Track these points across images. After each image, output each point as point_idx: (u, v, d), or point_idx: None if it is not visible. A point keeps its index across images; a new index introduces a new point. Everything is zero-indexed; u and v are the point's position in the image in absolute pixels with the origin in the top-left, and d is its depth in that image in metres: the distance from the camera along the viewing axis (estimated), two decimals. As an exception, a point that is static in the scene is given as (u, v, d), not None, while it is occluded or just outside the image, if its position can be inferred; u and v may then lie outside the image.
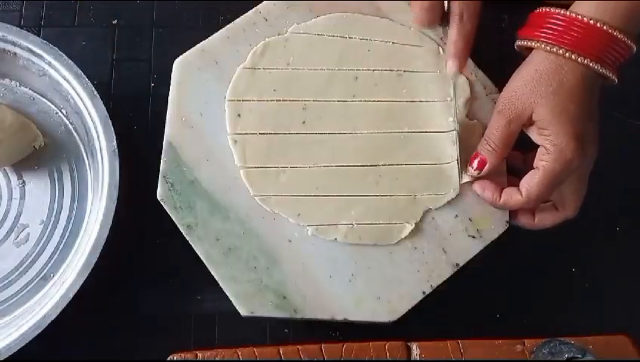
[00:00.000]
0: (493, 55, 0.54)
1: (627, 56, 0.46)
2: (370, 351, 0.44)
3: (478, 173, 0.49)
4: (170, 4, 0.61)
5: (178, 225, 0.48)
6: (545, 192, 0.46)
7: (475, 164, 0.48)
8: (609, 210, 0.56)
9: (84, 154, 0.55)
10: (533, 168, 0.47)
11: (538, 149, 0.47)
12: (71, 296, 0.46)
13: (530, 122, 0.47)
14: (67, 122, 0.56)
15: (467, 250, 0.49)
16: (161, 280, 0.53)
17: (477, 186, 0.49)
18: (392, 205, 0.49)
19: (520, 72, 0.48)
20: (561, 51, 0.45)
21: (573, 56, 0.45)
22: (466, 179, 0.50)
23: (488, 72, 0.53)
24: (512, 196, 0.47)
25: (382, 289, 0.47)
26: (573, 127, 0.45)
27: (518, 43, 0.49)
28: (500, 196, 0.48)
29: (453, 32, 0.50)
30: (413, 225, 0.49)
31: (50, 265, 0.52)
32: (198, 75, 0.52)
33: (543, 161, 0.46)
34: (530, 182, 0.46)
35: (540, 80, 0.46)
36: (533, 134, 0.47)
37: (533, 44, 0.47)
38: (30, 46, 0.53)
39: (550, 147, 0.45)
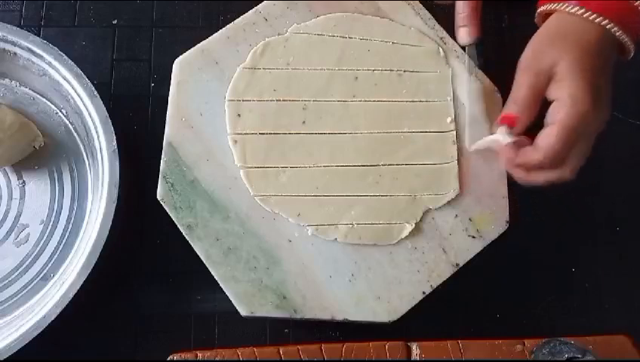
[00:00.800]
0: (493, 55, 0.54)
1: None
2: (370, 351, 0.44)
3: (509, 133, 0.47)
4: (170, 4, 0.61)
5: (178, 225, 0.48)
6: (561, 147, 0.45)
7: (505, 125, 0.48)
8: (609, 210, 0.56)
9: (84, 154, 0.55)
10: (549, 125, 0.46)
11: (551, 106, 0.46)
12: (71, 296, 0.46)
13: (551, 77, 0.46)
14: (67, 122, 0.56)
15: (467, 250, 0.49)
16: (161, 280, 0.53)
17: (502, 152, 0.48)
18: (392, 205, 0.49)
19: (540, 32, 0.48)
20: (585, 13, 0.46)
21: (597, 20, 0.45)
22: (479, 143, 0.50)
23: (488, 72, 0.53)
24: (529, 155, 0.46)
25: (382, 289, 0.47)
26: (590, 79, 0.45)
27: (540, 9, 0.49)
28: (517, 155, 0.47)
29: (462, 4, 0.51)
30: (413, 225, 0.49)
31: (50, 265, 0.52)
32: (198, 75, 0.52)
33: (559, 115, 0.45)
34: (547, 138, 0.45)
35: (564, 36, 0.46)
36: (550, 90, 0.47)
37: (557, 6, 0.47)
38: (30, 46, 0.53)
39: (567, 98, 0.45)
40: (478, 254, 0.49)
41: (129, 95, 0.58)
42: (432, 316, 0.49)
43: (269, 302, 0.47)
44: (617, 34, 0.46)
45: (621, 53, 0.48)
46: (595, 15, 0.45)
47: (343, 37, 0.53)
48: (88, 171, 0.55)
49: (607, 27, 0.45)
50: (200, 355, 0.44)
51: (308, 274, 0.48)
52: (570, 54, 0.45)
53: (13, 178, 0.55)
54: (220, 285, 0.47)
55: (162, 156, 0.50)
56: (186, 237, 0.48)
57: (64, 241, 0.53)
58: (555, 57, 0.46)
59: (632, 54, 0.47)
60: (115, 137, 0.50)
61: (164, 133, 0.50)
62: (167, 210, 0.49)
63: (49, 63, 0.53)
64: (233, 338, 0.51)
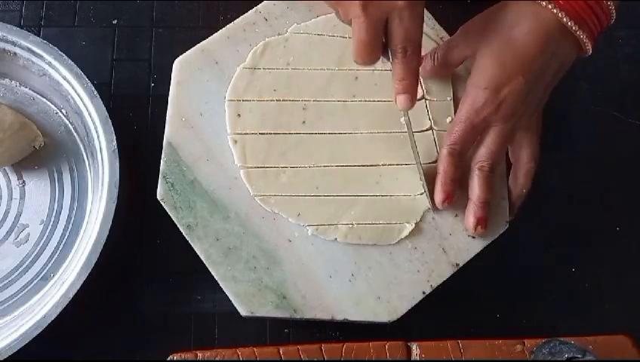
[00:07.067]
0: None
1: (606, 24, 0.46)
2: (370, 351, 0.44)
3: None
4: (170, 4, 0.61)
5: (178, 225, 0.48)
6: (455, 130, 0.47)
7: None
8: (609, 210, 0.56)
9: (84, 154, 0.55)
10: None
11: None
12: (71, 296, 0.46)
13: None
14: (67, 122, 0.56)
15: (467, 250, 0.49)
16: (161, 280, 0.53)
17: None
18: (392, 205, 0.49)
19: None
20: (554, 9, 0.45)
21: (550, 7, 0.45)
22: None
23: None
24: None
25: (382, 289, 0.47)
26: (499, 73, 0.46)
27: None
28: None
29: (400, 69, 0.45)
30: (413, 225, 0.49)
31: (50, 265, 0.52)
32: (198, 75, 0.52)
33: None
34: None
35: (498, 18, 0.47)
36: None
37: None
38: (30, 46, 0.53)
39: (468, 85, 0.47)
40: (478, 254, 0.49)
41: (129, 95, 0.58)
42: (432, 316, 0.49)
43: (269, 302, 0.47)
44: (565, 20, 0.45)
45: (579, 49, 0.47)
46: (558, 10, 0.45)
47: (343, 37, 0.53)
48: (88, 171, 0.55)
49: (557, 13, 0.45)
50: (200, 355, 0.44)
51: (308, 274, 0.48)
52: (494, 39, 0.46)
53: (13, 178, 0.55)
54: (220, 285, 0.47)
55: (162, 156, 0.50)
56: (186, 237, 0.48)
57: (64, 241, 0.53)
58: (480, 37, 0.47)
59: (590, 52, 0.47)
60: (115, 137, 0.50)
61: (164, 133, 0.50)
62: (167, 210, 0.49)
63: (49, 63, 0.53)
64: (233, 338, 0.51)
